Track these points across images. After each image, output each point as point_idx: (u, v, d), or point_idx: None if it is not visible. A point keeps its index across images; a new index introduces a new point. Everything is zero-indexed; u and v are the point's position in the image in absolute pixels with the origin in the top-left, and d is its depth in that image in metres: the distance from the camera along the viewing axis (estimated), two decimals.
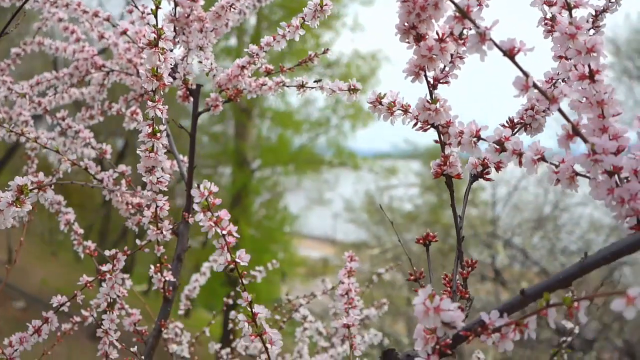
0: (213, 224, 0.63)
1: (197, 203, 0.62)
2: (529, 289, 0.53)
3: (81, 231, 1.12)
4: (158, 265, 0.99)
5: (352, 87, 0.86)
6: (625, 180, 0.53)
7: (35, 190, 0.67)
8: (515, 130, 0.70)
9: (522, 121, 0.70)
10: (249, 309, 0.66)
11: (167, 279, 1.00)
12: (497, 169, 0.69)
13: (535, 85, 0.51)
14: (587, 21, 0.72)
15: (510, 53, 0.52)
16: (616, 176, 0.54)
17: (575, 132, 0.53)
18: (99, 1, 7.26)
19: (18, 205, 0.69)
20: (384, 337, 1.33)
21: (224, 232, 0.63)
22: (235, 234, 0.64)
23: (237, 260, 0.64)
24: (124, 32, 1.05)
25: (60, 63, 5.56)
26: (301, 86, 0.96)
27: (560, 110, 0.52)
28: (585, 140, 0.52)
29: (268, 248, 10.17)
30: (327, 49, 1.01)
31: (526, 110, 0.70)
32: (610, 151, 0.51)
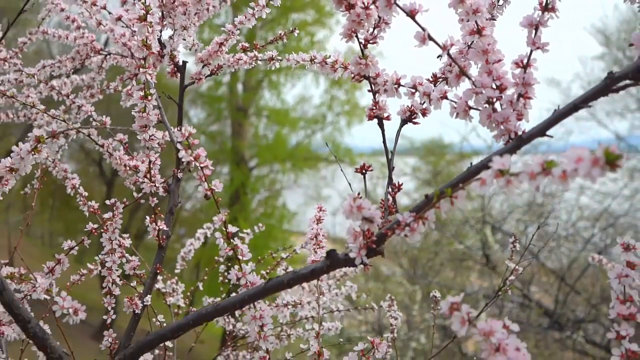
0: (193, 159, 0.79)
1: (179, 142, 0.79)
2: (431, 193, 0.70)
3: (85, 194, 1.28)
4: (153, 216, 1.15)
5: (312, 57, 1.02)
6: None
7: (50, 139, 0.84)
8: (438, 83, 0.87)
9: (443, 75, 0.86)
10: (224, 229, 0.83)
11: (160, 228, 1.16)
12: (423, 114, 0.86)
13: (430, 37, 0.68)
14: None
15: (411, 13, 0.68)
16: (498, 106, 0.71)
17: (462, 73, 0.69)
18: None
19: (36, 152, 0.85)
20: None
21: (202, 165, 0.80)
22: (211, 167, 0.80)
23: (213, 187, 0.81)
24: (119, 19, 1.21)
25: None
26: (271, 59, 1.12)
27: (449, 56, 0.69)
28: (469, 78, 0.69)
29: (267, 245, 10.32)
30: (295, 29, 1.18)
31: (446, 66, 0.86)
32: (487, 86, 0.68)
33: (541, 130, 0.64)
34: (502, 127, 0.68)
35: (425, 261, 8.18)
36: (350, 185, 1.14)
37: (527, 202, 7.69)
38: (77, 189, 1.30)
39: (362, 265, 0.74)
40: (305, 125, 11.89)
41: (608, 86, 0.62)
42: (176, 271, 1.56)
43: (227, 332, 1.61)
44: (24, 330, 0.76)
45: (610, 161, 0.44)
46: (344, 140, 11.78)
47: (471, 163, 0.68)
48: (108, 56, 1.40)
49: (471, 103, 0.72)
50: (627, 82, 0.63)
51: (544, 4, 0.69)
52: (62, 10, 1.41)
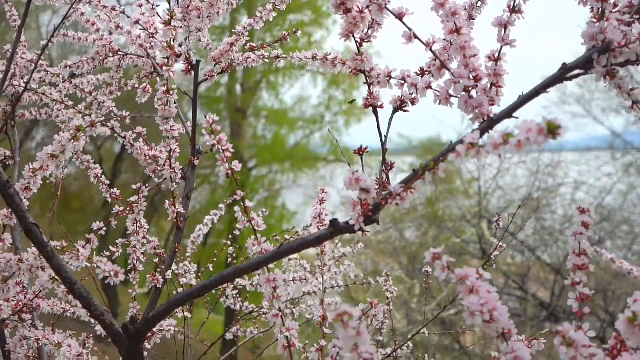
0: (216, 143, 0.92)
1: (204, 128, 0.91)
2: (418, 168, 0.82)
3: (107, 182, 1.41)
4: (172, 200, 1.28)
5: (314, 55, 1.15)
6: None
7: (89, 128, 0.96)
8: (425, 75, 0.99)
9: (428, 68, 0.99)
10: (242, 204, 0.96)
11: (179, 211, 1.29)
12: (412, 103, 0.98)
13: (415, 36, 0.81)
14: None
15: (400, 16, 0.81)
16: (474, 93, 0.84)
17: (443, 66, 0.82)
18: None
19: (76, 141, 0.98)
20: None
21: (224, 148, 0.92)
22: (231, 150, 0.93)
23: (232, 167, 0.93)
24: (137, 22, 1.34)
25: None
26: (277, 57, 1.25)
27: (432, 52, 0.82)
28: (449, 71, 0.82)
29: None
30: (297, 29, 1.31)
31: (430, 60, 0.99)
32: (464, 77, 0.81)
33: (508, 113, 0.77)
34: (477, 111, 0.81)
35: (424, 257, 8.30)
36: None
37: (523, 197, 7.84)
38: (99, 177, 1.43)
39: (360, 232, 0.86)
40: (304, 125, 12.02)
41: (562, 75, 0.75)
42: (187, 254, 1.69)
43: (235, 312, 1.74)
44: (71, 291, 0.89)
45: (551, 130, 0.57)
46: (342, 140, 11.91)
47: (451, 141, 0.81)
48: (125, 56, 1.53)
49: (451, 92, 0.85)
50: (579, 71, 0.76)
51: (512, 7, 0.82)
52: (83, 14, 1.53)
